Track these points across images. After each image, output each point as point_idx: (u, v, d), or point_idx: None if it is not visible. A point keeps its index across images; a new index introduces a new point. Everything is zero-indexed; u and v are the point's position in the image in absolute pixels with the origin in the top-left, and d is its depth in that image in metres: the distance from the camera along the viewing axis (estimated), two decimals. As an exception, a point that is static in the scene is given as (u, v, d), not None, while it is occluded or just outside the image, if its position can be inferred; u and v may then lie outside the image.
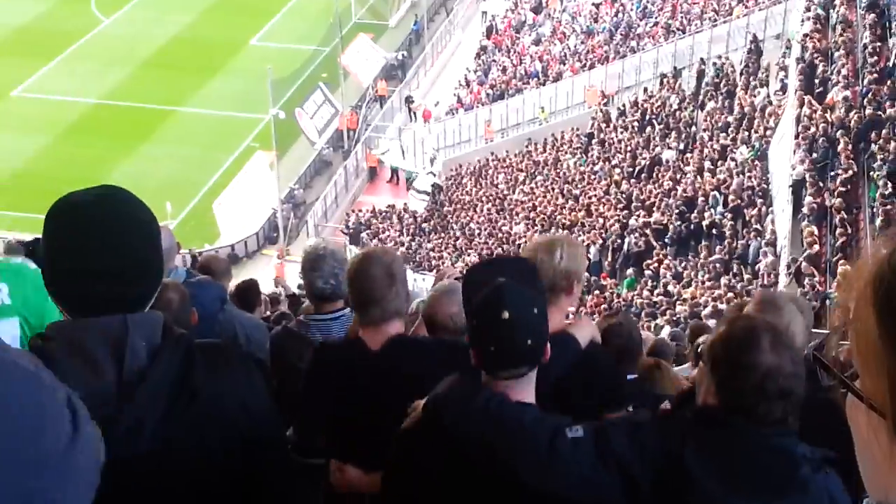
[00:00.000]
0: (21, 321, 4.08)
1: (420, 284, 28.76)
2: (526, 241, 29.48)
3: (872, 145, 23.52)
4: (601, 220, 31.35)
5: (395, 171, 43.07)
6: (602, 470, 3.09)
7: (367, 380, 4.14)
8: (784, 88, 32.97)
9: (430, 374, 3.49)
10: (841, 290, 1.28)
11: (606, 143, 37.47)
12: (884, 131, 23.86)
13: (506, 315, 3.08)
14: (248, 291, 9.27)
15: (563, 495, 3.13)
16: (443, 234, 37.12)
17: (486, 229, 35.37)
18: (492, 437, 3.15)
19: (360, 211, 40.00)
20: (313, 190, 42.43)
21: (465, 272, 3.57)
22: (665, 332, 18.29)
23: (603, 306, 25.54)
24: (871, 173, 22.68)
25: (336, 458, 4.30)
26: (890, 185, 21.28)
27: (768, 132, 31.61)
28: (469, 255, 32.62)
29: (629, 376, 5.58)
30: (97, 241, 2.51)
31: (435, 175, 41.41)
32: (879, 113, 24.67)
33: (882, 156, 22.86)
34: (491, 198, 37.94)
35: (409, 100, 47.77)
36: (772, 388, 3.09)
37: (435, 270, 31.05)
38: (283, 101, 42.16)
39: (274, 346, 6.00)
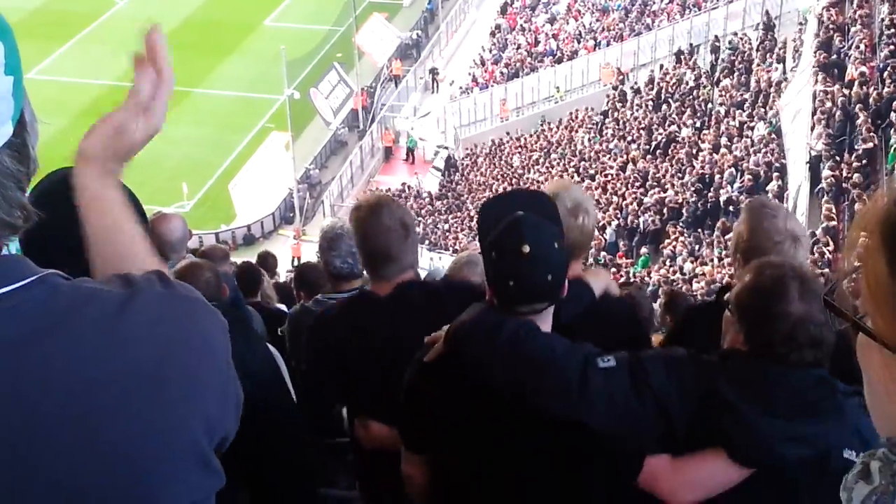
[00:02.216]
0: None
1: (437, 264, 28.77)
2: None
3: (893, 116, 23.37)
4: (616, 199, 31.26)
5: (410, 149, 43.04)
6: (636, 400, 3.05)
7: (378, 326, 4.05)
8: (800, 64, 32.78)
9: (442, 313, 3.42)
10: (850, 234, 1.30)
11: (621, 122, 37.36)
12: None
13: (526, 249, 3.00)
14: (248, 274, 9.25)
15: (593, 427, 3.08)
16: (458, 213, 37.11)
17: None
18: (520, 366, 3.07)
19: (376, 190, 40.01)
20: (329, 170, 42.43)
21: (481, 205, 3.48)
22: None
23: (620, 282, 25.51)
24: (890, 148, 22.56)
25: (358, 416, 4.24)
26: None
27: (785, 108, 31.46)
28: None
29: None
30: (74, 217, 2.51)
31: (448, 149, 41.41)
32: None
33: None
34: (506, 177, 37.88)
35: (433, 71, 47.76)
36: (803, 337, 3.07)
37: (451, 251, 31.09)
38: (297, 81, 42.19)
39: (291, 324, 6.01)
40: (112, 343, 1.54)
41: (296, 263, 32.44)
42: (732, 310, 3.26)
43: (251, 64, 47.62)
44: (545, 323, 3.18)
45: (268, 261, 11.86)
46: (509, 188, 36.31)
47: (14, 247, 2.78)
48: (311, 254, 30.09)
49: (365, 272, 4.53)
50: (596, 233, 28.93)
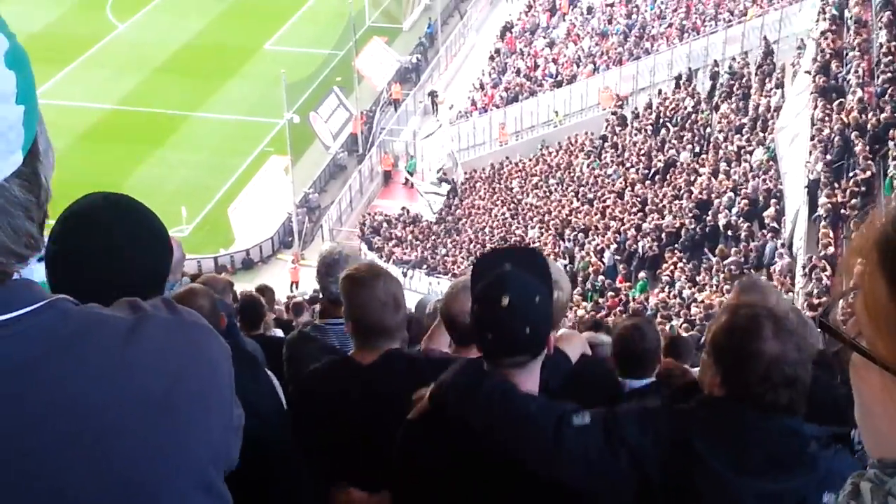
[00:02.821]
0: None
1: (435, 288, 28.78)
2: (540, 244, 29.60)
3: (889, 144, 23.42)
4: (615, 224, 31.28)
5: (410, 173, 43.12)
6: (610, 457, 3.06)
7: (359, 395, 4.07)
8: (798, 89, 32.89)
9: (423, 383, 3.45)
10: (846, 256, 1.31)
11: (620, 146, 37.44)
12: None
13: (505, 301, 3.05)
14: (251, 306, 9.19)
15: (570, 483, 3.11)
16: (456, 238, 37.16)
17: (500, 234, 35.35)
18: (497, 423, 3.12)
19: (375, 215, 40.06)
20: (328, 194, 42.50)
21: (475, 259, 3.53)
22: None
23: (618, 308, 25.52)
24: (888, 173, 22.59)
25: (336, 483, 4.23)
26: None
27: (780, 131, 31.56)
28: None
29: (642, 382, 5.47)
30: (107, 248, 2.52)
31: (445, 174, 41.49)
32: (894, 113, 24.57)
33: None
34: (505, 202, 37.94)
35: (433, 94, 47.92)
36: (777, 376, 3.06)
37: (450, 275, 31.10)
38: (297, 105, 42.28)
39: (289, 350, 6.00)
40: (120, 368, 1.57)
41: (294, 289, 32.52)
42: (709, 351, 3.26)
43: (251, 88, 47.74)
44: (531, 378, 3.21)
45: (265, 295, 11.87)
46: (507, 214, 36.40)
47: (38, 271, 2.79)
48: (309, 278, 30.10)
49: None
50: (593, 257, 29.01)
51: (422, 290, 30.31)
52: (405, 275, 34.22)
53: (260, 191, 38.77)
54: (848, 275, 1.28)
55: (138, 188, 38.31)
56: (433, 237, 37.94)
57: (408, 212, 40.03)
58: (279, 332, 9.28)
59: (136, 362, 1.58)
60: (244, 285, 16.99)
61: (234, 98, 47.28)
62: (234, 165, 42.64)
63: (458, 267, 32.87)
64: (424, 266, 35.01)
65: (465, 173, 42.33)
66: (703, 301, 24.16)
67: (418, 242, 37.30)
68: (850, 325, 1.28)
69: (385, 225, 39.01)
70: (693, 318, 22.77)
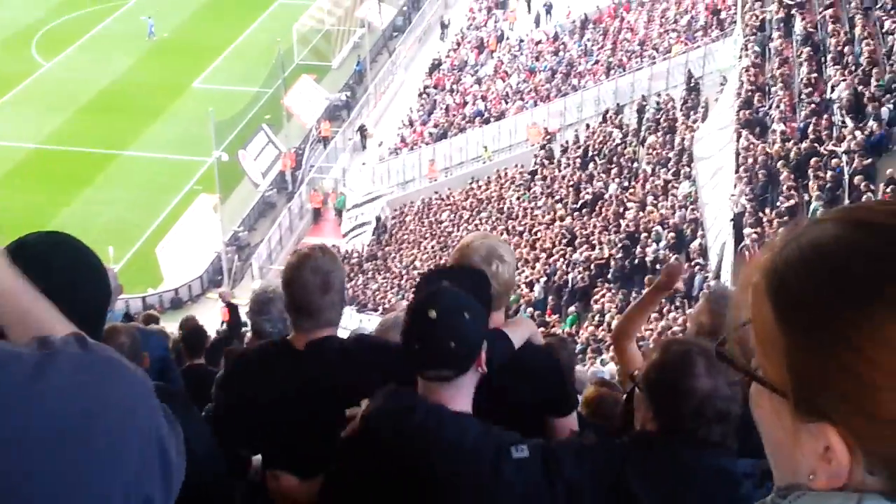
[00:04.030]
0: None
1: (366, 325, 28.68)
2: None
3: (811, 177, 23.85)
4: (544, 256, 31.44)
5: (339, 210, 43.05)
6: (548, 491, 3.05)
7: (290, 378, 4.02)
8: (721, 124, 33.38)
9: (357, 373, 3.47)
10: (737, 290, 1.37)
11: (549, 179, 37.70)
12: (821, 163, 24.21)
13: (432, 314, 3.07)
14: (195, 333, 9.19)
15: None
16: (386, 274, 37.13)
17: (429, 267, 35.35)
18: (432, 453, 3.09)
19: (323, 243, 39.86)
20: (258, 232, 42.28)
21: (420, 278, 3.54)
22: (608, 369, 18.36)
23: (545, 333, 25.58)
24: (811, 205, 22.98)
25: (271, 467, 4.17)
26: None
27: (700, 161, 32.02)
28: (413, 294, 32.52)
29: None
30: (51, 286, 2.51)
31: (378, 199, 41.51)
32: (816, 145, 25.05)
33: (819, 184, 23.20)
34: (435, 235, 38.00)
35: (362, 128, 47.97)
36: (710, 412, 3.10)
37: (380, 311, 31.04)
38: (226, 143, 42.08)
39: (228, 372, 5.97)
40: (28, 405, 1.53)
41: (224, 327, 32.18)
42: (642, 387, 3.30)
43: (179, 126, 47.44)
44: (460, 395, 3.19)
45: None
46: (437, 247, 36.46)
47: None
48: (240, 316, 29.83)
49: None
50: (524, 289, 29.09)
51: (352, 327, 30.16)
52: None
53: (188, 229, 38.47)
54: (741, 307, 1.34)
55: (65, 227, 37.54)
56: (363, 274, 37.88)
57: (338, 249, 39.92)
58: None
59: (45, 398, 1.55)
60: (173, 325, 16.84)
61: (162, 136, 46.95)
62: (163, 204, 42.31)
63: (389, 303, 32.80)
64: (355, 303, 34.90)
65: (395, 209, 42.38)
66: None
67: (349, 280, 37.20)
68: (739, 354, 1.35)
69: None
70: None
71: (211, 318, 31.28)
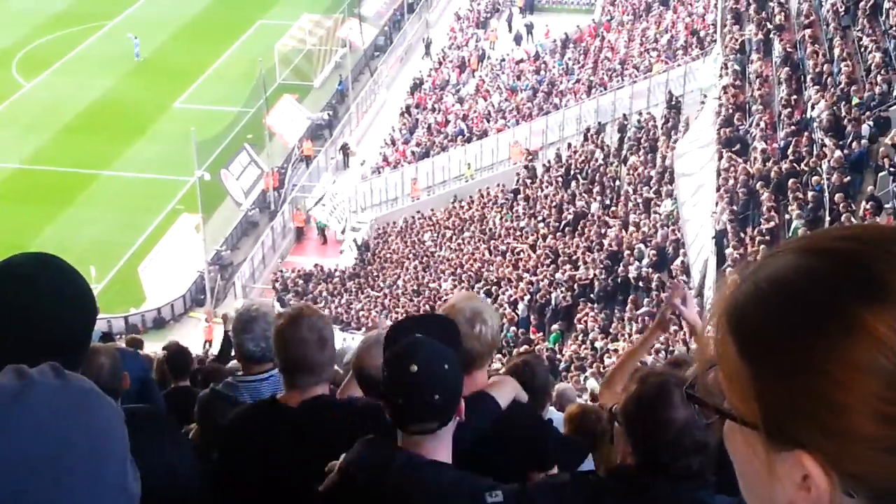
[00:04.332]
0: None
1: (350, 344, 28.65)
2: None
3: (791, 197, 23.96)
4: (527, 275, 31.48)
5: (322, 229, 43.02)
6: None
7: (284, 439, 4.04)
8: (702, 141, 33.53)
9: (349, 433, 3.45)
10: (701, 331, 1.40)
11: (531, 199, 37.77)
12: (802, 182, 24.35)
13: (414, 368, 3.07)
14: (178, 356, 9.18)
15: None
16: (369, 292, 37.11)
17: (412, 287, 35.39)
18: (409, 502, 3.11)
19: (288, 271, 39.86)
20: (240, 251, 42.20)
21: (389, 329, 3.57)
22: (590, 385, 18.40)
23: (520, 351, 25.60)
24: (791, 224, 23.09)
25: None
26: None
27: (681, 177, 32.13)
28: (397, 313, 32.56)
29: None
30: (37, 307, 2.51)
31: (357, 231, 41.49)
32: (796, 165, 25.17)
33: (800, 203, 23.31)
34: (418, 255, 38.02)
35: (345, 147, 48.00)
36: (687, 443, 3.11)
37: (363, 329, 31.02)
38: (208, 162, 41.98)
39: (201, 409, 5.95)
40: (6, 434, 1.55)
41: (207, 346, 32.14)
42: (620, 420, 3.32)
43: (161, 146, 47.30)
44: (443, 443, 3.21)
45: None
46: (420, 267, 36.47)
47: None
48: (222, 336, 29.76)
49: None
50: (507, 308, 29.13)
51: (336, 346, 30.14)
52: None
53: (171, 249, 38.42)
54: (706, 348, 1.37)
55: (47, 247, 37.62)
56: (346, 293, 37.84)
57: (321, 268, 39.89)
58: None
59: (21, 429, 1.56)
60: (156, 345, 16.80)
61: (145, 156, 46.83)
62: (145, 224, 42.19)
63: (372, 321, 32.78)
64: (338, 322, 34.85)
65: (378, 228, 42.39)
66: (616, 351, 24.37)
67: (332, 298, 37.15)
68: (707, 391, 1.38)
69: (299, 281, 38.83)
70: (606, 369, 22.93)
71: (194, 338, 31.30)
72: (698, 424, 3.10)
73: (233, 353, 10.96)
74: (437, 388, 3.11)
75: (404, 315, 29.93)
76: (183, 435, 4.57)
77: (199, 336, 33.68)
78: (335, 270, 39.76)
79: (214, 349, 23.97)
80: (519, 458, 3.93)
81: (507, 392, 4.03)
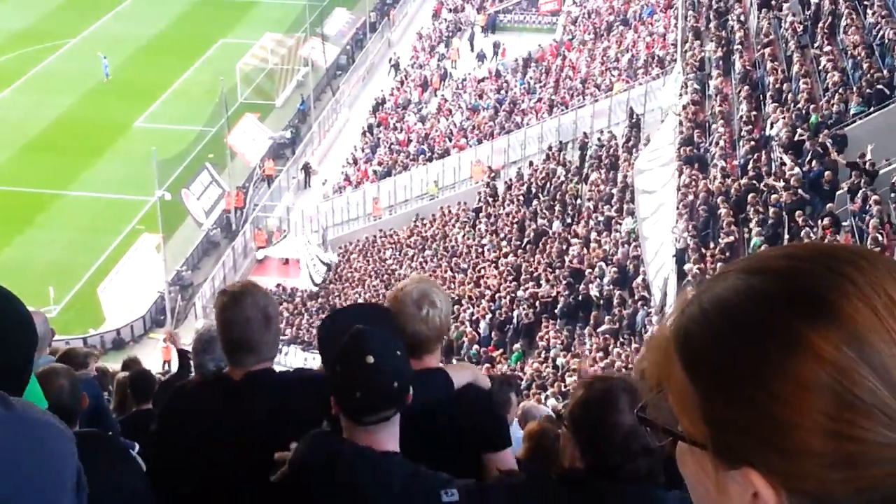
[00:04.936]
0: None
1: (311, 364, 28.56)
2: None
3: (750, 212, 24.12)
4: (489, 293, 31.50)
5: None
6: None
7: (228, 412, 3.98)
8: (662, 159, 33.71)
9: (293, 403, 3.48)
10: (647, 356, 1.41)
11: (493, 217, 37.85)
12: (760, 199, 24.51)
13: (370, 359, 3.06)
14: (141, 380, 9.09)
15: None
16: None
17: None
18: (358, 501, 3.08)
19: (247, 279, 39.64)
20: (201, 271, 42.05)
21: (320, 323, 3.51)
22: (550, 404, 18.39)
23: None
24: (751, 241, 23.23)
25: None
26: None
27: (641, 193, 32.31)
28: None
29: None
30: None
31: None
32: (756, 182, 25.35)
33: (759, 220, 23.48)
34: (379, 273, 37.99)
35: (307, 166, 47.97)
36: (635, 446, 3.10)
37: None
38: (168, 182, 41.87)
39: (166, 407, 5.88)
40: None
41: (166, 367, 31.94)
42: (567, 425, 3.31)
43: (121, 165, 47.11)
44: (392, 432, 3.20)
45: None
46: (381, 285, 36.43)
47: None
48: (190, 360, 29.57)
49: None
50: (468, 327, 29.11)
51: (297, 364, 30.06)
52: (279, 351, 33.91)
53: (131, 269, 38.23)
54: (654, 371, 1.38)
55: (6, 268, 37.43)
56: (306, 313, 37.76)
57: (283, 288, 39.78)
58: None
59: None
60: (114, 366, 16.65)
61: (104, 176, 46.62)
62: (105, 244, 41.96)
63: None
64: (300, 342, 34.76)
65: (340, 247, 42.35)
66: (577, 369, 24.39)
67: (293, 318, 37.06)
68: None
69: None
70: (567, 388, 22.93)
71: (154, 359, 31.07)
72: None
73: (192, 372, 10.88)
74: (395, 375, 3.11)
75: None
76: (133, 457, 4.51)
77: (157, 357, 33.44)
78: (296, 290, 39.67)
79: (174, 369, 23.81)
80: (470, 436, 3.87)
81: (463, 374, 3.98)
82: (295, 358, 33.26)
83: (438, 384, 3.77)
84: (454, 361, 27.84)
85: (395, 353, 3.15)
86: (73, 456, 1.71)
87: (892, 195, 21.45)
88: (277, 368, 4.14)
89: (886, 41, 26.38)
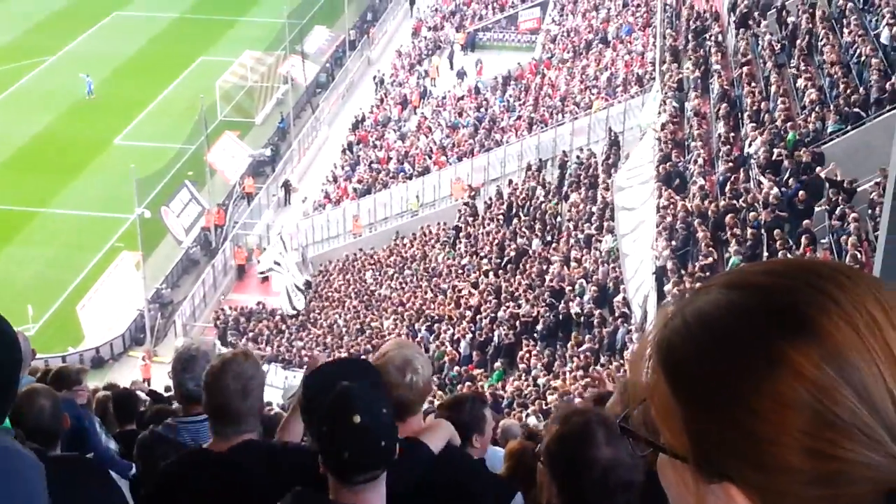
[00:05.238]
0: None
1: (292, 382, 28.49)
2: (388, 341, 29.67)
3: (729, 233, 24.22)
4: (469, 313, 31.48)
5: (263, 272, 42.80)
6: None
7: (213, 485, 4.00)
8: (642, 178, 33.81)
9: (278, 478, 3.45)
10: (632, 366, 1.42)
11: (473, 236, 37.86)
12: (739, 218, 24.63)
13: (357, 419, 3.03)
14: (124, 400, 9.09)
15: None
16: (311, 329, 36.95)
17: (354, 325, 35.30)
18: None
19: (229, 309, 39.59)
20: (181, 289, 41.87)
21: (304, 378, 3.52)
22: (531, 423, 18.41)
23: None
24: (730, 260, 23.31)
25: None
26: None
27: (620, 210, 32.37)
28: (339, 351, 32.40)
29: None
30: None
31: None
32: (734, 201, 25.46)
33: (738, 239, 23.57)
34: (359, 293, 37.94)
35: (287, 184, 47.89)
36: (613, 482, 3.09)
37: (306, 367, 30.83)
38: (148, 200, 41.72)
39: (140, 450, 5.89)
40: None
41: (145, 385, 31.80)
42: (543, 461, 3.27)
43: (101, 183, 46.92)
44: (379, 490, 3.19)
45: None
46: (361, 306, 36.36)
47: None
48: (162, 375, 29.51)
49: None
50: (448, 346, 29.06)
51: (278, 384, 29.99)
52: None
53: (110, 287, 38.03)
54: (638, 383, 1.39)
55: (-17, 287, 37.28)
56: (288, 331, 37.66)
57: (264, 306, 39.68)
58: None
59: None
60: (94, 384, 16.59)
61: (84, 193, 46.43)
62: (84, 261, 41.76)
63: (310, 360, 32.58)
64: (281, 360, 34.66)
65: (320, 265, 42.28)
66: (557, 389, 24.42)
67: (274, 337, 36.96)
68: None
69: (241, 319, 38.59)
70: (549, 406, 22.95)
71: (133, 377, 30.91)
72: (624, 463, 3.08)
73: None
74: (383, 435, 3.10)
75: (348, 354, 29.81)
76: (114, 482, 4.52)
77: (137, 375, 33.28)
78: (277, 309, 39.57)
79: (156, 387, 23.78)
80: (456, 497, 3.92)
81: (440, 436, 4.02)
82: (276, 376, 33.15)
83: (420, 459, 3.82)
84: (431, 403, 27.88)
85: (381, 411, 3.13)
86: (42, 483, 1.70)
87: (870, 212, 21.58)
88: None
89: (863, 59, 26.57)
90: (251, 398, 4.03)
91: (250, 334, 37.27)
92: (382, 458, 3.12)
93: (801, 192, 23.52)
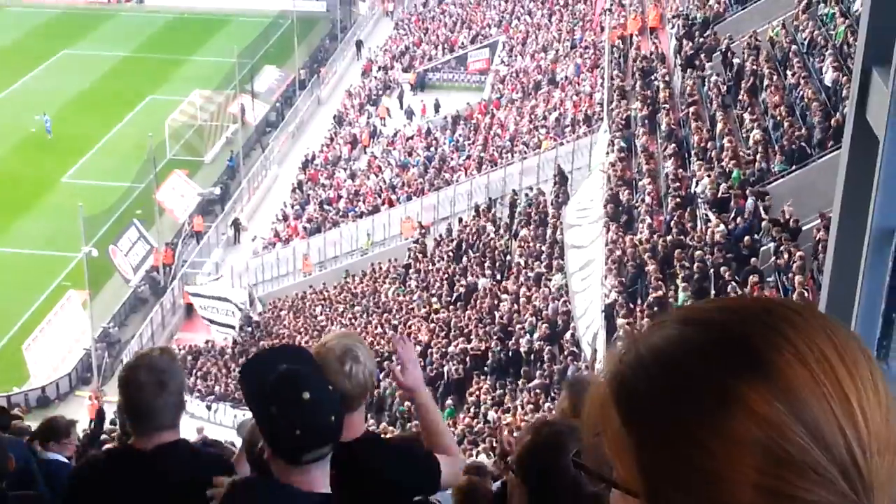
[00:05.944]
0: None
1: (241, 419, 28.27)
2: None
3: (678, 265, 24.42)
4: (420, 348, 31.44)
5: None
6: None
7: (135, 485, 3.94)
8: (591, 218, 33.99)
9: (201, 478, 3.44)
10: (586, 401, 1.42)
11: (423, 273, 37.89)
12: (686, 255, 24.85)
13: (307, 395, 3.05)
14: (54, 423, 9.10)
15: None
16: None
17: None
18: None
19: (178, 348, 39.29)
20: (129, 328, 41.56)
21: (241, 367, 3.50)
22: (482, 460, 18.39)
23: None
24: (679, 296, 23.49)
25: None
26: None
27: (570, 248, 32.52)
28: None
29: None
30: None
31: (243, 309, 41.09)
32: (682, 237, 25.70)
33: (686, 275, 23.77)
34: (309, 330, 37.81)
35: (236, 222, 47.71)
36: (585, 491, 2.93)
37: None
38: (95, 238, 41.43)
39: (73, 481, 5.83)
40: None
41: (93, 426, 31.40)
42: (515, 471, 3.31)
43: (47, 221, 46.55)
44: (325, 471, 3.19)
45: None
46: (311, 342, 36.20)
47: None
48: (109, 414, 29.17)
49: None
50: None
51: (227, 422, 29.79)
52: (209, 408, 33.62)
53: (57, 326, 37.68)
54: (592, 418, 1.39)
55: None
56: (236, 370, 37.43)
57: (213, 345, 39.44)
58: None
59: None
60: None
61: (30, 231, 46.04)
62: (30, 300, 41.34)
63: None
64: (230, 399, 34.42)
65: (270, 304, 42.12)
66: (509, 425, 24.41)
67: (223, 376, 36.72)
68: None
69: (188, 358, 38.31)
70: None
71: (79, 417, 30.55)
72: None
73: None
74: (332, 409, 3.12)
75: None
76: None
77: (84, 415, 32.90)
78: (225, 347, 39.35)
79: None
80: (417, 483, 4.03)
81: (453, 470, 4.08)
82: (225, 416, 32.93)
83: (430, 470, 3.94)
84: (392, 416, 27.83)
85: (327, 387, 3.16)
86: None
87: (814, 252, 21.83)
88: (209, 427, 4.16)
89: (806, 101, 26.98)
90: (166, 392, 3.93)
91: (199, 373, 37.01)
92: (333, 434, 3.14)
93: (745, 238, 23.75)
